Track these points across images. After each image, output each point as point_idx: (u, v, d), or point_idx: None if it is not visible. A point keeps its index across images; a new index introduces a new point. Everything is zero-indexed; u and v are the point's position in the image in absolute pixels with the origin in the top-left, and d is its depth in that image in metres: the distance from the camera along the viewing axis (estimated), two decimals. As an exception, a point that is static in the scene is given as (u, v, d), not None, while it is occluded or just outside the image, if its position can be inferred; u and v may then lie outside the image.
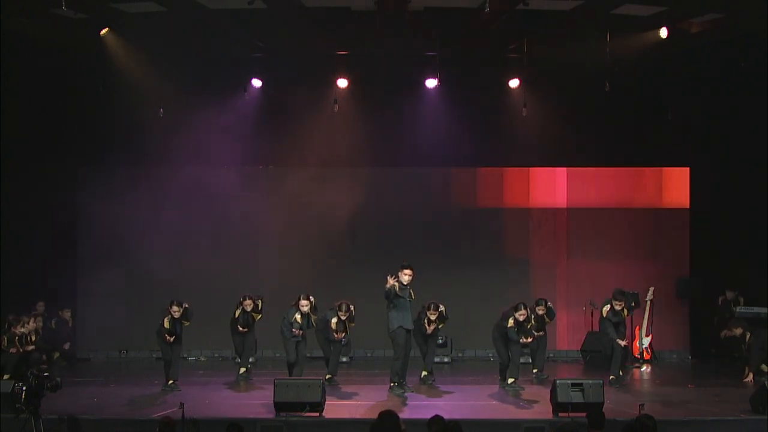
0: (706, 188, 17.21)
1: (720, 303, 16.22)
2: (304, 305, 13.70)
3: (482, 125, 17.20)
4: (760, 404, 11.35)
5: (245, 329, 14.80)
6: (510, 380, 13.41)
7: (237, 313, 14.88)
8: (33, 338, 14.68)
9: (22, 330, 14.45)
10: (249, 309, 14.78)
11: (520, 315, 13.46)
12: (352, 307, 14.12)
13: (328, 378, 13.73)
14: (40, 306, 16.13)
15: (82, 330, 17.04)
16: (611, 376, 13.57)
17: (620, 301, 13.85)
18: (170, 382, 13.47)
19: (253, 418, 10.92)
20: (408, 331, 13.15)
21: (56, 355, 15.98)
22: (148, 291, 16.50)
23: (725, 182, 16.71)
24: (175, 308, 13.49)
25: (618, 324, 13.90)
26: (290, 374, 13.48)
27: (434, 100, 16.94)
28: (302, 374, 13.37)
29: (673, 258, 17.49)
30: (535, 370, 14.66)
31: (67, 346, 16.34)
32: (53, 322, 16.36)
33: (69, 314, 16.57)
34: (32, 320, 14.99)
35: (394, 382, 12.98)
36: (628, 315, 14.32)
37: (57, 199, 16.85)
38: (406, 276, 12.99)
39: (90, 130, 16.93)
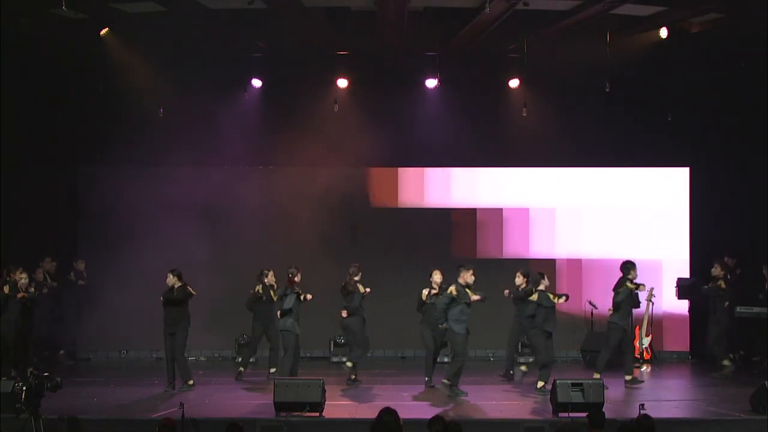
0: (706, 188, 17.22)
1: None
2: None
3: (482, 125, 17.20)
4: (760, 404, 11.37)
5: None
6: (539, 384, 13.29)
7: (258, 288, 14.57)
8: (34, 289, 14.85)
9: (22, 276, 14.44)
10: (273, 281, 14.43)
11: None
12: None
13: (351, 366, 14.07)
14: (47, 263, 16.19)
15: (82, 330, 17.03)
16: (627, 376, 13.60)
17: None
18: (190, 382, 13.42)
19: (253, 418, 10.93)
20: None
21: (60, 351, 16.08)
22: (148, 291, 16.46)
23: (725, 182, 16.71)
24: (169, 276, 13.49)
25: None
26: (287, 369, 13.41)
27: (434, 100, 16.95)
28: (297, 372, 13.43)
29: (673, 258, 17.49)
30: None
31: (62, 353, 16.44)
32: (72, 274, 16.55)
33: (83, 265, 16.68)
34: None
35: (453, 384, 13.04)
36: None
37: (57, 198, 16.85)
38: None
39: (90, 130, 16.93)
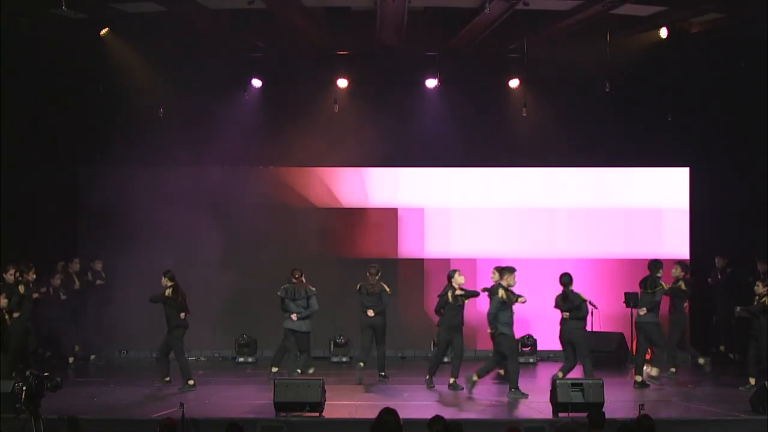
0: (706, 188, 17.22)
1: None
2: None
3: (482, 125, 17.21)
4: (760, 404, 11.37)
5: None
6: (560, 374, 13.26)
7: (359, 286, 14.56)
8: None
9: (35, 276, 14.46)
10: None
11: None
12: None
13: (383, 376, 14.19)
14: (75, 264, 16.24)
15: (82, 330, 17.01)
16: (638, 377, 13.78)
17: None
18: (191, 382, 13.47)
19: (253, 418, 10.93)
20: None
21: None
22: (148, 291, 16.45)
23: (725, 182, 16.71)
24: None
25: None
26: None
27: (434, 100, 16.95)
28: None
29: (673, 258, 17.47)
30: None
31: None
32: (89, 274, 16.53)
33: (101, 265, 16.70)
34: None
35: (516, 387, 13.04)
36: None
37: (57, 198, 16.85)
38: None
39: (90, 130, 16.93)
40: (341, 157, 17.05)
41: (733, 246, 16.32)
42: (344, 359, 16.34)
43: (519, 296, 13.03)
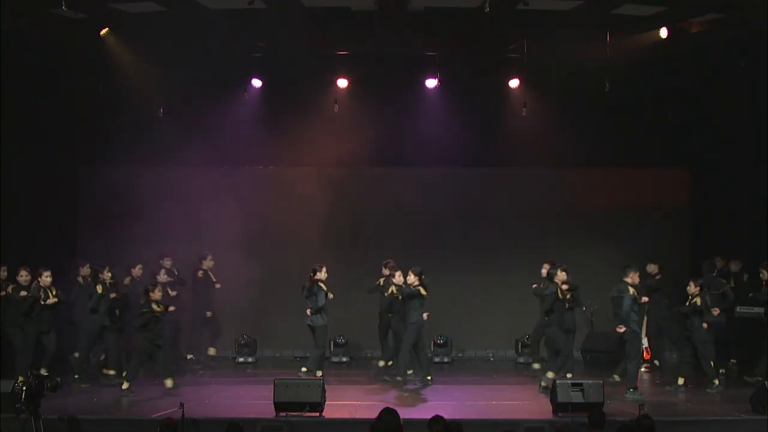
0: (706, 188, 17.22)
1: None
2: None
3: (482, 125, 17.21)
4: (760, 404, 11.39)
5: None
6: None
7: (392, 289, 14.56)
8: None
9: (108, 275, 14.40)
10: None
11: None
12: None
13: (411, 374, 14.17)
14: (85, 269, 15.47)
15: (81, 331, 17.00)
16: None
17: None
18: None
19: (253, 418, 10.96)
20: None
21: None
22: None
23: (725, 182, 16.71)
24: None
25: None
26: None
27: (434, 100, 16.95)
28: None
29: (673, 258, 17.49)
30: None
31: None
32: (127, 280, 15.60)
33: (170, 263, 15.97)
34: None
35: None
36: None
37: (57, 198, 16.85)
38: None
39: (90, 130, 16.93)
40: (341, 157, 17.04)
41: (733, 246, 16.31)
42: (344, 359, 16.34)
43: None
